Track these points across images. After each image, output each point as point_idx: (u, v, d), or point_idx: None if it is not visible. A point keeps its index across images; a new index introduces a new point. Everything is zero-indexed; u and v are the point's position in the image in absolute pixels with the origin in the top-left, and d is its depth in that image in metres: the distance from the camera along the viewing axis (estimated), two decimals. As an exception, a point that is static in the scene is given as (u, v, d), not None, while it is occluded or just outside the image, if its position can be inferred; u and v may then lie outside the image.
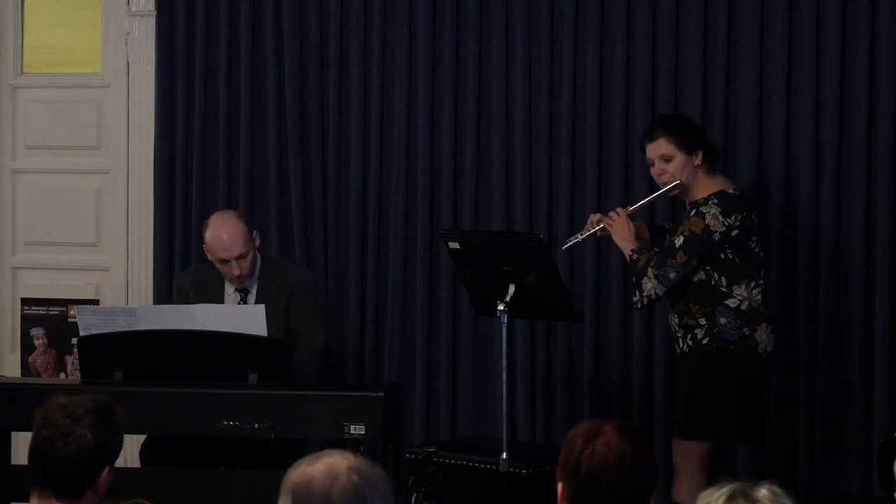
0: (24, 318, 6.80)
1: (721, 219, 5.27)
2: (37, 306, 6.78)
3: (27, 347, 6.78)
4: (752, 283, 5.31)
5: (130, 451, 5.91)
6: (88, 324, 5.54)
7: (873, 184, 5.91)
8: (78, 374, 6.09)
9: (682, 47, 6.09)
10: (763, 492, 2.55)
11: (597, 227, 5.45)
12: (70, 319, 6.61)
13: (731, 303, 5.29)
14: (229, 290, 5.86)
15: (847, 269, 5.92)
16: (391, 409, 5.29)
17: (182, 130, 6.62)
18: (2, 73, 6.88)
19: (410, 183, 6.38)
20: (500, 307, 5.24)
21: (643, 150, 5.48)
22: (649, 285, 5.32)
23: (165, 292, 6.54)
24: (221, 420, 5.22)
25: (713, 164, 5.45)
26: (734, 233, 5.28)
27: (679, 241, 5.30)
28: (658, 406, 6.06)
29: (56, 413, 3.21)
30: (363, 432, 5.19)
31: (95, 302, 6.71)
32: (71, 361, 6.65)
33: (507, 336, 5.29)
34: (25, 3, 6.89)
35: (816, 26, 5.92)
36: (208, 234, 5.79)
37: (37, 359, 6.76)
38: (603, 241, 5.84)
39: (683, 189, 5.42)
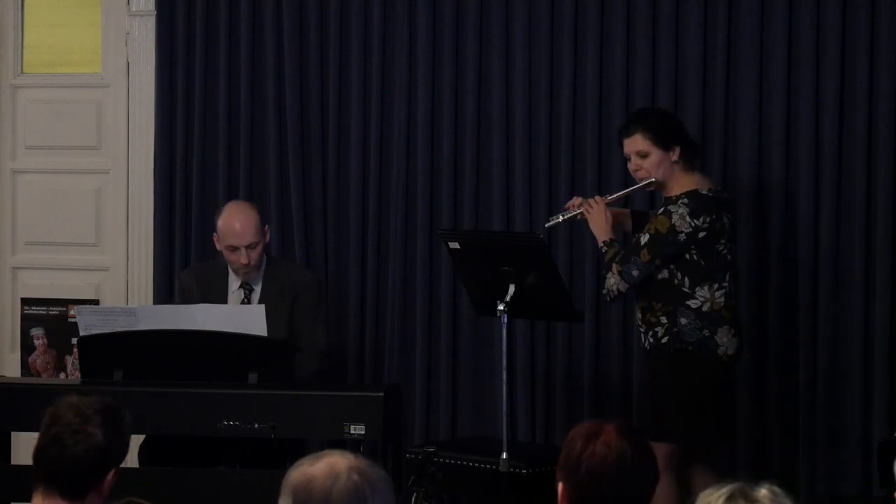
0: (24, 318, 6.79)
1: (688, 219, 5.25)
2: (37, 306, 6.78)
3: (27, 347, 6.78)
4: (716, 286, 5.29)
5: (130, 451, 5.90)
6: (88, 324, 5.54)
7: (873, 184, 5.91)
8: (78, 374, 6.09)
9: (682, 47, 6.09)
10: (763, 492, 2.55)
11: (577, 211, 5.45)
12: (70, 319, 6.61)
13: (693, 304, 5.27)
14: (233, 286, 5.86)
15: (847, 269, 5.92)
16: (391, 409, 5.29)
17: (182, 130, 6.62)
18: (2, 73, 6.88)
19: (410, 183, 6.38)
20: (500, 307, 5.24)
21: (620, 145, 5.48)
22: (612, 280, 5.33)
23: (165, 292, 6.54)
24: (221, 420, 5.22)
25: (692, 160, 5.42)
26: (701, 234, 5.26)
27: (644, 238, 5.30)
28: (658, 406, 6.06)
29: (66, 412, 3.21)
30: (363, 432, 5.19)
31: (95, 302, 6.71)
32: (71, 361, 6.65)
33: (507, 336, 5.29)
34: (25, 3, 6.89)
35: (816, 26, 5.93)
36: (221, 221, 5.80)
37: (37, 359, 6.76)
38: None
39: (659, 185, 5.41)
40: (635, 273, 5.29)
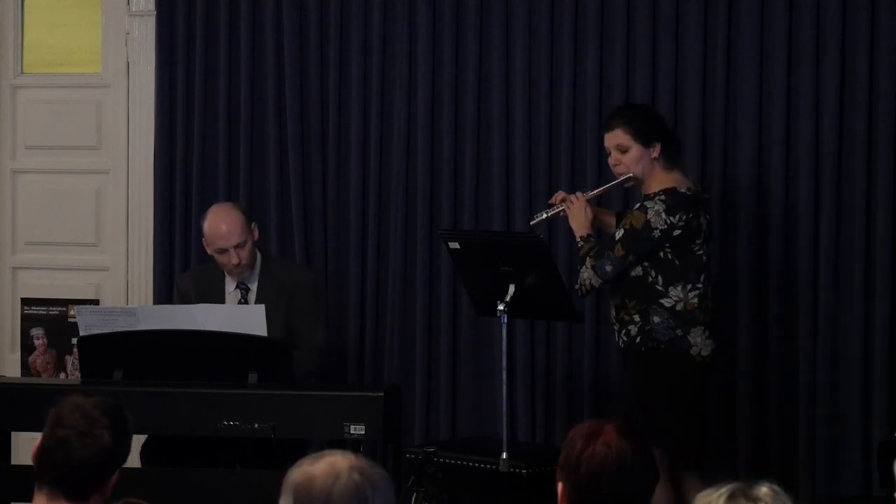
0: (24, 318, 6.79)
1: (664, 216, 5.24)
2: (37, 306, 6.78)
3: (27, 347, 6.78)
4: (690, 286, 5.27)
5: (131, 451, 5.90)
6: (88, 324, 5.54)
7: (873, 184, 5.91)
8: (78, 374, 6.09)
9: (682, 47, 6.09)
10: (764, 490, 2.55)
11: (559, 208, 5.45)
12: (70, 319, 6.60)
13: (666, 302, 5.26)
14: (230, 287, 5.87)
15: (847, 269, 5.92)
16: (391, 409, 5.29)
17: (182, 130, 6.62)
18: (2, 73, 6.88)
19: (410, 183, 6.38)
20: (500, 307, 5.24)
21: (601, 139, 5.48)
22: (586, 275, 5.33)
23: (165, 292, 6.54)
24: (221, 420, 5.22)
25: (673, 157, 5.40)
26: (676, 232, 5.25)
27: (619, 234, 5.30)
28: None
29: (72, 413, 3.21)
30: (363, 432, 5.19)
31: (95, 302, 6.71)
32: (71, 361, 6.65)
33: (507, 336, 5.29)
34: (25, 3, 6.89)
35: (816, 26, 5.93)
36: (206, 225, 5.81)
37: (37, 359, 6.76)
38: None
39: (638, 182, 5.40)
40: (608, 268, 5.29)
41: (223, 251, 5.76)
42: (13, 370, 6.76)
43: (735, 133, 6.05)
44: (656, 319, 5.26)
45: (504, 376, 5.32)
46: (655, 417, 5.18)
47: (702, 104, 6.06)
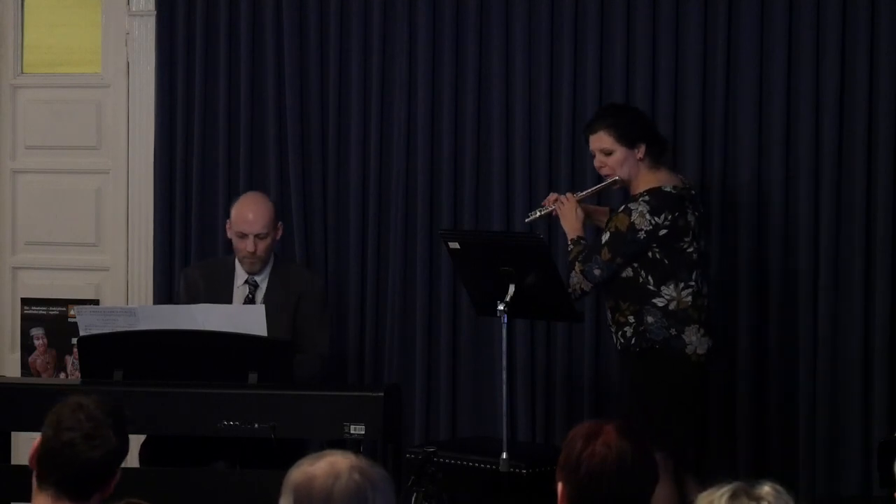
0: (24, 318, 6.79)
1: (648, 217, 5.24)
2: (37, 306, 6.78)
3: (27, 347, 6.78)
4: (682, 285, 5.27)
5: (130, 451, 5.90)
6: (88, 324, 5.53)
7: (873, 184, 5.91)
8: (78, 374, 6.09)
9: (682, 47, 6.09)
10: (766, 489, 2.55)
11: (551, 208, 5.46)
12: (70, 319, 6.60)
13: (659, 302, 5.27)
14: (238, 281, 5.87)
15: (847, 270, 5.92)
16: (391, 409, 5.29)
17: (182, 130, 6.62)
18: (2, 73, 6.88)
19: (410, 183, 6.38)
20: (500, 307, 5.23)
21: (586, 141, 5.48)
22: (575, 280, 5.34)
23: (165, 292, 6.54)
24: (221, 420, 5.22)
25: (658, 157, 5.40)
26: (662, 232, 5.25)
27: (605, 237, 5.30)
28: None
29: (74, 415, 3.20)
30: (363, 432, 5.19)
31: (95, 302, 6.71)
32: (71, 361, 6.65)
33: (507, 336, 5.29)
34: (25, 3, 6.89)
35: (816, 26, 5.93)
36: (235, 208, 5.84)
37: (37, 359, 6.76)
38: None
39: (624, 183, 5.41)
40: (597, 272, 5.29)
41: (243, 236, 5.77)
42: (13, 370, 6.76)
43: (735, 133, 6.05)
44: (650, 319, 5.26)
45: (504, 376, 5.32)
46: (655, 418, 5.18)
47: (702, 104, 6.06)
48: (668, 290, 5.26)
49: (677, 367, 5.26)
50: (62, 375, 6.69)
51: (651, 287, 5.26)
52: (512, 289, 5.25)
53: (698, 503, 2.60)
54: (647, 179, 5.33)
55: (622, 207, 5.32)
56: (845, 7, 5.90)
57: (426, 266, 6.36)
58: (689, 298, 5.27)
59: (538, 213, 5.54)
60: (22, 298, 6.82)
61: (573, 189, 5.97)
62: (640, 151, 5.34)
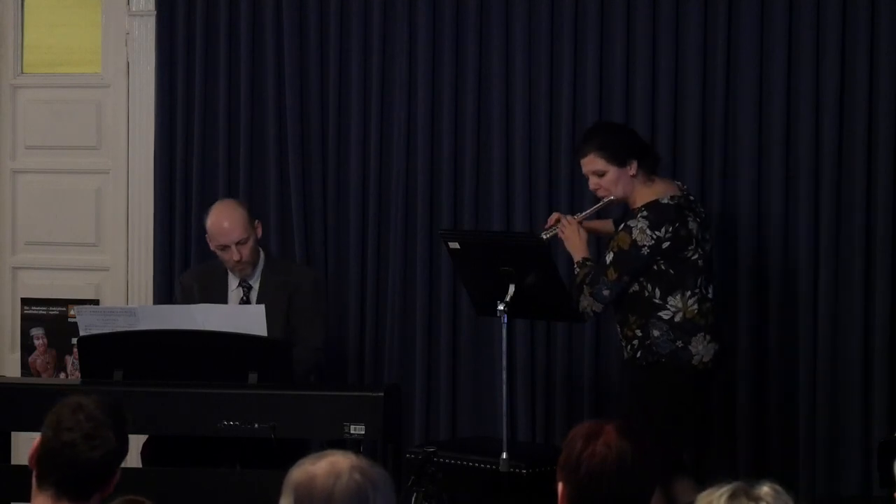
0: (24, 318, 6.79)
1: (649, 232, 5.23)
2: (37, 306, 6.78)
3: (27, 347, 6.78)
4: (688, 293, 5.27)
5: (131, 451, 5.90)
6: (88, 324, 5.53)
7: (873, 184, 5.91)
8: (78, 374, 6.09)
9: (682, 47, 6.08)
10: (765, 489, 2.55)
11: (555, 230, 5.45)
12: (70, 319, 6.60)
13: (665, 314, 5.26)
14: (233, 284, 5.87)
15: (847, 269, 5.92)
16: (391, 409, 5.29)
17: (182, 130, 6.62)
18: (2, 73, 6.88)
19: (410, 183, 6.38)
20: (500, 307, 5.23)
21: (578, 164, 5.48)
22: (585, 303, 5.32)
23: (165, 292, 6.54)
24: (221, 420, 5.22)
25: (652, 169, 5.39)
26: (665, 245, 5.24)
27: (609, 257, 5.29)
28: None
29: (74, 415, 3.20)
30: (363, 432, 5.19)
31: (95, 302, 6.71)
32: (71, 361, 6.65)
33: (507, 336, 5.28)
34: (25, 3, 6.89)
35: (816, 26, 5.92)
36: (209, 221, 5.83)
37: (37, 359, 6.76)
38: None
39: (621, 202, 5.41)
40: (606, 293, 5.29)
41: (225, 247, 5.78)
42: (13, 370, 6.76)
43: (735, 133, 6.05)
44: (656, 333, 5.26)
45: (504, 376, 5.32)
46: (654, 419, 5.18)
47: (702, 104, 6.06)
48: (675, 301, 5.26)
49: (681, 379, 5.27)
50: (62, 375, 6.69)
51: (657, 300, 5.26)
52: (512, 289, 5.25)
53: (698, 503, 2.60)
54: (644, 194, 5.33)
55: (622, 226, 5.31)
56: (845, 7, 5.90)
57: (426, 266, 6.36)
58: (696, 306, 5.27)
59: (544, 236, 5.48)
60: (22, 298, 6.83)
61: (573, 190, 5.98)
62: (633, 168, 5.33)
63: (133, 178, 6.73)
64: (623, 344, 5.39)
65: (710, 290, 5.36)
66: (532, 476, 5.33)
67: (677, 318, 5.25)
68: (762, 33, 6.00)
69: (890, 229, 5.89)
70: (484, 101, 6.30)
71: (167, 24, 6.63)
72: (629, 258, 5.24)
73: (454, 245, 5.49)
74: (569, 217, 5.49)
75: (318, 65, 6.47)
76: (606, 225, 5.65)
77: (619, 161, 5.32)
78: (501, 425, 5.31)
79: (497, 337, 5.40)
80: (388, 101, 6.41)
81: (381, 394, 5.28)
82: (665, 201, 5.28)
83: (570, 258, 6.13)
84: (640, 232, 5.23)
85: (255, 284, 5.86)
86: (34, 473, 3.24)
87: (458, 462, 5.50)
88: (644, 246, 5.23)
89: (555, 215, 5.54)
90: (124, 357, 5.41)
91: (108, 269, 6.81)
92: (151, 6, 6.66)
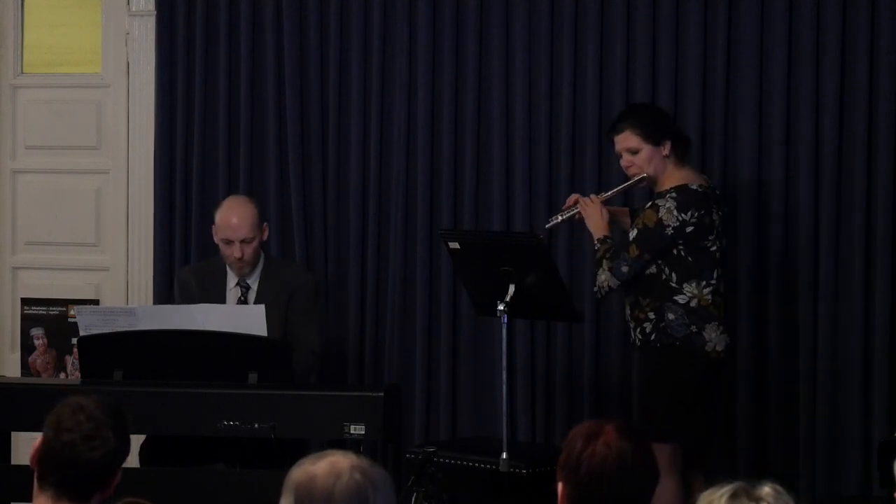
0: (24, 318, 6.79)
1: (675, 213, 5.26)
2: (37, 306, 6.78)
3: (27, 347, 6.78)
4: (704, 283, 5.29)
5: (131, 451, 5.90)
6: (88, 324, 5.53)
7: (873, 184, 5.91)
8: (78, 374, 6.09)
9: (682, 47, 6.09)
10: (766, 489, 2.55)
11: (574, 210, 5.46)
12: (70, 319, 6.60)
13: (681, 299, 5.28)
14: (231, 284, 5.87)
15: (847, 270, 5.92)
16: (391, 409, 5.29)
17: (182, 130, 6.62)
18: (2, 73, 6.88)
19: (410, 183, 6.38)
20: (500, 307, 5.24)
21: (611, 142, 5.49)
22: (603, 277, 5.34)
23: (165, 292, 6.54)
24: (221, 420, 5.22)
25: (683, 154, 5.43)
26: (689, 229, 5.27)
27: (633, 234, 5.31)
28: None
29: (75, 416, 3.20)
30: (363, 432, 5.19)
31: (95, 302, 6.71)
32: (71, 361, 6.65)
33: (507, 336, 5.29)
34: (25, 3, 6.89)
35: (816, 26, 5.93)
36: (219, 214, 5.84)
37: (37, 359, 6.76)
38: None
39: (651, 181, 5.42)
40: (625, 269, 5.30)
41: (229, 242, 5.78)
42: (13, 370, 6.76)
43: (735, 133, 6.05)
44: (671, 316, 5.27)
45: (504, 376, 5.32)
46: (670, 410, 5.20)
47: (702, 104, 6.06)
48: (690, 288, 5.27)
49: (695, 364, 5.28)
50: (62, 375, 6.69)
51: (673, 284, 5.27)
52: (512, 289, 5.25)
53: (699, 503, 2.60)
54: (674, 177, 5.36)
55: (649, 204, 5.34)
56: (845, 7, 5.90)
57: (426, 266, 6.36)
58: (710, 296, 5.29)
59: (560, 218, 5.52)
60: (22, 298, 6.83)
61: (574, 190, 5.98)
62: (666, 148, 5.37)
63: (133, 178, 6.73)
64: (632, 326, 5.39)
65: (724, 285, 5.39)
66: (532, 476, 5.33)
67: (692, 304, 5.27)
68: (762, 33, 6.00)
69: (890, 229, 5.89)
70: (484, 101, 6.30)
71: (167, 24, 6.63)
72: (653, 236, 5.26)
73: (454, 245, 5.50)
74: (592, 196, 5.50)
75: (318, 65, 6.47)
76: (625, 213, 5.65)
77: (654, 139, 5.36)
78: (501, 425, 5.32)
79: (497, 337, 5.40)
80: (388, 101, 6.41)
81: (381, 394, 5.28)
82: (694, 187, 5.32)
83: (569, 258, 6.15)
84: (667, 212, 5.25)
85: (254, 285, 5.86)
86: (35, 473, 3.24)
87: (458, 462, 5.50)
88: (669, 226, 5.24)
89: (573, 196, 5.54)
90: (124, 357, 5.41)
91: (108, 269, 6.81)
92: (151, 6, 6.66)
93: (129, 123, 6.74)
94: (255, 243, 5.81)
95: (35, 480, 3.23)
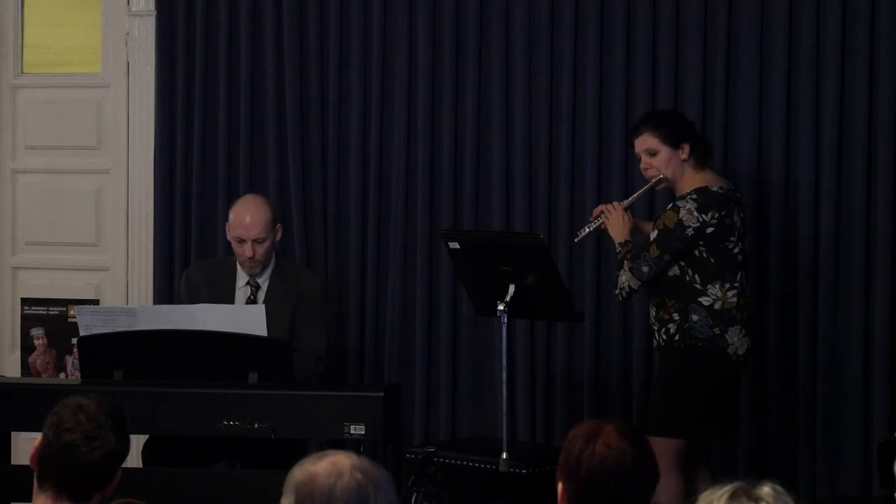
0: (24, 318, 6.80)
1: (696, 214, 5.27)
2: (37, 306, 6.78)
3: (27, 347, 6.78)
4: (727, 285, 5.30)
5: (131, 451, 5.90)
6: (88, 324, 5.53)
7: (873, 184, 5.91)
8: (78, 374, 6.09)
9: (682, 48, 6.09)
10: (766, 489, 2.55)
11: (599, 221, 5.47)
12: (70, 319, 6.61)
13: (705, 301, 5.29)
14: (240, 282, 5.87)
15: (847, 269, 5.92)
16: (391, 409, 5.29)
17: (182, 130, 6.62)
18: (2, 73, 6.88)
19: (410, 183, 6.38)
20: (500, 307, 5.24)
21: (632, 145, 5.51)
22: (624, 278, 5.35)
23: (165, 292, 6.54)
24: (221, 420, 5.22)
25: (703, 158, 5.45)
26: (709, 230, 5.27)
27: (653, 234, 5.33)
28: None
29: (76, 416, 3.20)
30: (363, 432, 5.19)
31: (95, 302, 6.71)
32: (71, 361, 6.65)
33: (507, 336, 5.29)
34: (25, 3, 6.89)
35: (816, 26, 5.93)
36: (233, 212, 5.84)
37: (37, 359, 6.76)
38: (602, 239, 5.85)
39: (669, 183, 5.43)
40: (645, 269, 5.31)
41: (241, 241, 5.78)
42: (13, 370, 6.76)
43: (735, 133, 6.05)
44: (695, 318, 5.28)
45: (504, 376, 5.32)
46: (683, 408, 5.23)
47: (702, 104, 6.06)
48: (714, 290, 5.28)
49: (717, 365, 5.30)
50: (62, 375, 6.69)
51: (698, 286, 5.29)
52: (512, 289, 5.26)
53: (699, 503, 2.60)
54: (693, 180, 5.38)
55: (670, 206, 5.36)
56: (845, 7, 5.90)
57: (426, 266, 6.36)
58: (734, 299, 5.30)
59: (587, 230, 5.52)
60: (22, 298, 6.83)
61: (574, 192, 5.98)
62: (685, 152, 5.39)
63: (133, 178, 6.73)
64: (655, 328, 5.39)
65: (748, 287, 5.41)
66: (532, 476, 5.34)
67: (716, 306, 5.28)
68: (762, 33, 6.00)
69: (890, 229, 5.89)
70: (484, 101, 6.30)
71: (167, 24, 6.63)
72: (673, 237, 5.27)
73: (454, 245, 5.50)
74: (614, 203, 5.51)
75: (318, 65, 6.47)
76: (648, 227, 5.65)
77: (673, 142, 5.39)
78: (501, 425, 5.32)
79: (497, 337, 5.41)
80: (388, 101, 6.41)
81: (381, 394, 5.28)
82: (714, 189, 5.33)
83: (569, 259, 6.15)
84: (688, 213, 5.26)
85: (264, 285, 5.86)
86: (35, 474, 3.24)
87: (458, 462, 5.50)
88: (689, 227, 5.26)
89: (599, 208, 5.55)
90: (124, 357, 5.41)
91: (108, 269, 6.81)
92: (151, 6, 6.66)
93: (129, 123, 6.74)
94: (267, 243, 5.81)
95: (35, 480, 3.23)
